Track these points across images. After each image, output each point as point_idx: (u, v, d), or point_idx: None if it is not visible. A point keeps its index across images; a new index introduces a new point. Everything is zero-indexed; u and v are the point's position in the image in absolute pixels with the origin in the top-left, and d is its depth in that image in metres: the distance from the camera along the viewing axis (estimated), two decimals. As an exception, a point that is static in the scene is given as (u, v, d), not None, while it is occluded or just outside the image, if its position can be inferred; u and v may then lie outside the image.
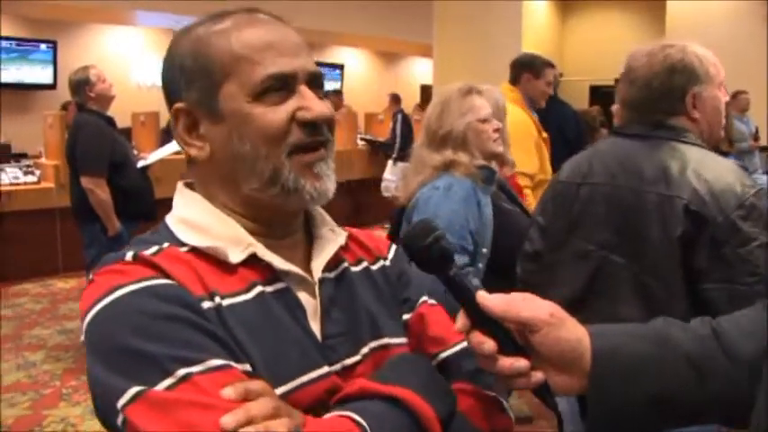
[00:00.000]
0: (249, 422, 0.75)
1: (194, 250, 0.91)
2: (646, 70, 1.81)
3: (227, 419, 0.74)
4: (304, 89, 0.93)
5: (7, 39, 9.36)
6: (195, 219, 0.94)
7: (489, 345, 0.84)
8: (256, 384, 0.80)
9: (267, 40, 0.93)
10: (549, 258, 1.98)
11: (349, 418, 0.82)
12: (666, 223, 1.69)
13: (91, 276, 0.89)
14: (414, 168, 2.51)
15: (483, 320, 0.85)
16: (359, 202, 8.96)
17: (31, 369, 4.51)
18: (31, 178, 6.83)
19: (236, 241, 0.92)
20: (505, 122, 2.60)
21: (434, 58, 6.81)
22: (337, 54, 13.62)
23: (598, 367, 0.85)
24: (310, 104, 0.92)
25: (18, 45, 9.44)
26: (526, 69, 4.02)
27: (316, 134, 0.93)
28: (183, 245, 0.92)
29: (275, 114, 0.90)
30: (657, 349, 0.87)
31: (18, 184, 6.69)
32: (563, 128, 4.52)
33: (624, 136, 1.90)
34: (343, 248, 1.03)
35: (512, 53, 4.71)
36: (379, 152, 9.47)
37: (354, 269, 1.03)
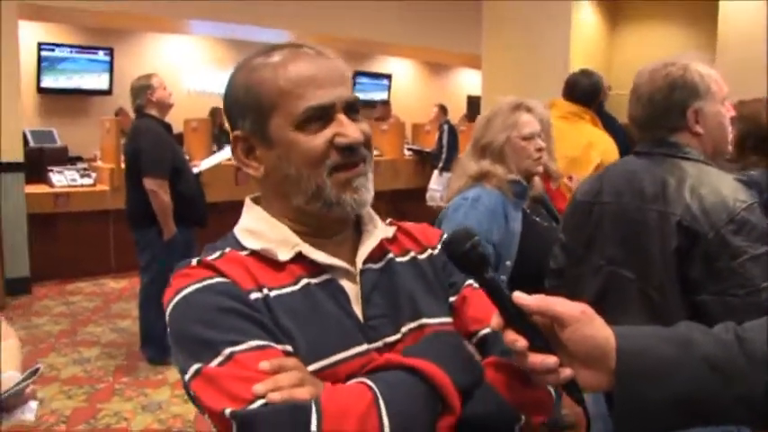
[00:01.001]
0: (277, 389, 0.90)
1: (253, 253, 1.08)
2: (649, 87, 1.86)
3: (259, 387, 0.90)
4: (341, 117, 1.06)
5: (67, 46, 9.67)
6: (253, 226, 1.12)
7: (522, 342, 0.92)
8: (289, 361, 0.95)
9: (308, 74, 1.06)
10: (569, 273, 2.06)
11: (363, 383, 0.94)
12: (664, 238, 1.75)
13: (169, 281, 1.06)
14: (456, 175, 2.58)
15: (516, 319, 0.94)
16: (404, 210, 9.02)
17: (86, 364, 4.67)
18: (87, 181, 7.06)
19: (284, 243, 1.08)
20: (552, 137, 2.62)
21: (483, 69, 6.85)
22: (385, 64, 13.73)
23: (623, 367, 0.91)
24: (346, 131, 1.05)
25: (77, 52, 9.74)
26: (601, 90, 4.04)
27: (352, 156, 1.06)
28: (245, 249, 1.09)
29: (315, 141, 1.05)
30: (680, 352, 0.92)
31: (75, 186, 6.93)
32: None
33: (635, 154, 1.96)
34: (391, 241, 1.18)
35: (560, 66, 4.71)
36: (426, 162, 9.51)
37: (400, 259, 1.17)
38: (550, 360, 0.92)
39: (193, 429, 3.76)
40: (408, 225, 1.25)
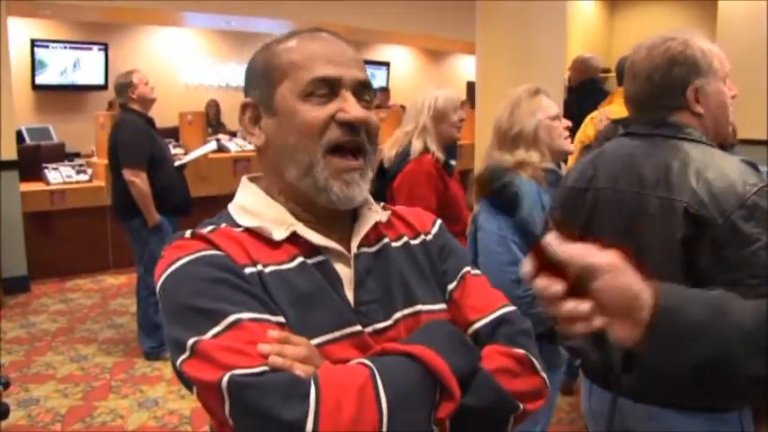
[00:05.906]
0: (281, 356, 0.90)
1: (247, 230, 1.07)
2: (646, 63, 1.74)
3: (264, 347, 0.90)
4: (347, 94, 1.07)
5: (61, 42, 9.61)
6: (249, 204, 1.12)
7: (555, 288, 0.87)
8: (297, 337, 0.95)
9: (320, 51, 1.09)
10: None
11: (360, 363, 0.94)
12: (668, 227, 1.63)
13: (162, 253, 1.06)
14: None
15: (548, 266, 0.88)
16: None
17: (83, 362, 4.65)
18: (83, 177, 7.00)
19: (280, 222, 1.08)
20: None
21: (477, 55, 6.76)
22: (384, 52, 13.65)
23: (656, 323, 0.87)
24: (349, 108, 1.06)
25: (72, 48, 9.69)
26: None
27: (352, 134, 1.06)
28: (239, 226, 1.08)
29: (317, 112, 1.06)
30: (714, 316, 0.88)
31: (71, 183, 6.88)
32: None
33: (629, 135, 1.84)
34: (386, 226, 1.17)
35: (556, 51, 4.66)
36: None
37: (394, 244, 1.16)
38: (584, 306, 0.86)
39: (189, 426, 3.73)
40: (402, 210, 1.24)
